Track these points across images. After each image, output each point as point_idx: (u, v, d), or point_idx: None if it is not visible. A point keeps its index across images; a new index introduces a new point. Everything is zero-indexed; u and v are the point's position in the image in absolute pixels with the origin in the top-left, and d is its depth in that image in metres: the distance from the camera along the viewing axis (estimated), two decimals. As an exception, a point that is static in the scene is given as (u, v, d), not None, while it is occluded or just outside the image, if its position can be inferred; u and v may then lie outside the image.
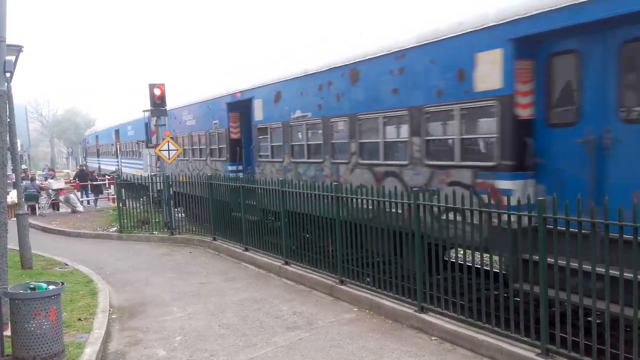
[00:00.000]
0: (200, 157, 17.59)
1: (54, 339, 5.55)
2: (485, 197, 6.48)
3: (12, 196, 17.86)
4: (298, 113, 11.72)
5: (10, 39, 8.07)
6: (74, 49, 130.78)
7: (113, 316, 8.48)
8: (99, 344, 6.78)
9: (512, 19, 6.84)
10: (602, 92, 6.22)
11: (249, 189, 11.90)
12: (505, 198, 6.36)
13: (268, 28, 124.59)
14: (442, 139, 8.19)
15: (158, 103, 16.05)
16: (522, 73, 6.91)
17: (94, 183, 27.84)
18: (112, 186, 26.66)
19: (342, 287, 8.88)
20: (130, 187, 18.13)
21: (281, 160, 12.55)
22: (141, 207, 18.01)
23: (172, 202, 15.81)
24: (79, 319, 7.82)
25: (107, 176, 30.17)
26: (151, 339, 7.40)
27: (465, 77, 7.56)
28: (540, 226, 5.61)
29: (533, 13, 6.56)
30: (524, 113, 6.95)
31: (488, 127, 7.37)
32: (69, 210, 23.85)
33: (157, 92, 15.98)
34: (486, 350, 6.19)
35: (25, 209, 12.69)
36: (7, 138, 7.48)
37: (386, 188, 8.10)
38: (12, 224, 10.19)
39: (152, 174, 19.50)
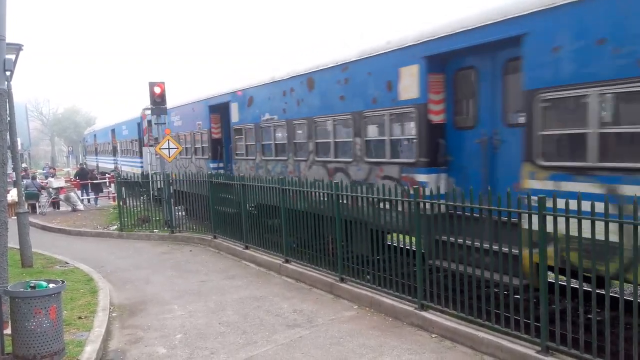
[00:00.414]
0: (186, 156, 18.80)
1: (54, 338, 5.55)
2: (408, 188, 7.86)
3: (13, 195, 17.89)
4: (267, 116, 13.09)
5: (10, 39, 8.08)
6: (74, 50, 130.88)
7: (113, 314, 8.49)
8: (100, 342, 6.79)
9: (425, 40, 8.20)
10: (492, 101, 7.66)
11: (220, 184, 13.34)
12: (421, 189, 7.48)
13: (270, 30, 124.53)
14: (377, 139, 9.53)
15: (158, 101, 16.05)
16: (434, 85, 8.28)
17: (95, 181, 27.85)
18: (112, 184, 26.69)
19: (343, 284, 8.88)
20: (130, 185, 18.26)
21: (254, 158, 13.95)
22: (141, 205, 18.02)
23: (172, 200, 15.83)
24: (80, 317, 7.83)
25: (107, 175, 30.25)
26: (152, 337, 7.41)
27: (392, 88, 8.93)
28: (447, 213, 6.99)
29: (441, 35, 7.89)
30: (437, 118, 8.34)
31: (409, 130, 8.78)
32: (70, 208, 23.87)
33: (157, 90, 15.98)
34: (486, 348, 6.19)
35: (26, 207, 12.70)
36: (8, 137, 7.49)
37: (336, 182, 9.27)
38: (12, 223, 10.19)
39: (152, 172, 19.55)
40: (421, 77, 8.31)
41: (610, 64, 5.81)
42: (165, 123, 16.95)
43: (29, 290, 5.52)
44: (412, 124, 8.60)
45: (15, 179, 12.85)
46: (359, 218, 8.57)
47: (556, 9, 6.33)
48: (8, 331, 5.85)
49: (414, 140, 8.56)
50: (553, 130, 6.55)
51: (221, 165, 16.51)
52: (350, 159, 10.08)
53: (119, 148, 31.43)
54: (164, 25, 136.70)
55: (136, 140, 25.83)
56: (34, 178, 25.41)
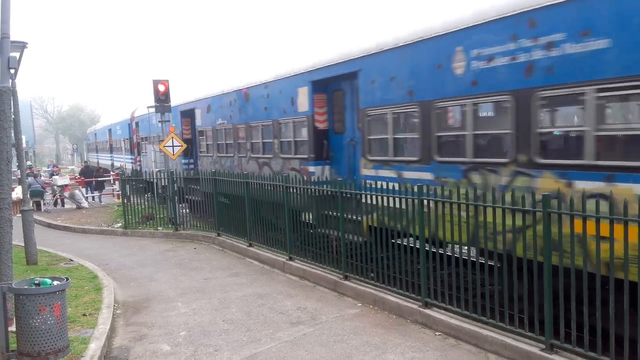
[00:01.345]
0: (160, 152, 21.77)
1: (59, 335, 5.55)
2: (304, 177, 11.13)
3: (18, 192, 17.94)
4: (220, 121, 16.42)
5: (15, 36, 8.08)
6: (79, 48, 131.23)
7: (118, 312, 8.51)
8: (104, 339, 6.81)
9: (312, 69, 11.46)
10: (352, 114, 10.86)
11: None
12: (312, 177, 10.99)
13: (270, 27, 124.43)
14: (287, 140, 12.62)
15: (162, 99, 16.07)
16: (319, 101, 11.51)
17: (99, 179, 27.91)
18: (116, 182, 26.76)
19: (346, 282, 8.88)
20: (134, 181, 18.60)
21: (212, 155, 17.14)
22: (146, 203, 18.05)
23: (176, 197, 15.86)
24: (84, 315, 7.84)
25: (111, 172, 30.57)
26: (156, 334, 7.43)
27: (294, 103, 12.10)
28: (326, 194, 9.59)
29: (321, 66, 11.15)
30: (321, 126, 11.55)
31: (304, 134, 11.76)
32: (74, 206, 23.93)
33: (161, 88, 16.00)
34: (490, 346, 6.18)
35: (31, 205, 12.73)
36: (12, 134, 7.51)
37: (264, 173, 12.72)
38: (17, 220, 10.23)
39: (157, 170, 19.62)
40: (310, 95, 11.49)
41: (396, 93, 9.04)
42: (169, 120, 16.98)
43: (34, 287, 5.52)
44: (306, 130, 11.69)
45: (20, 176, 12.88)
46: (276, 200, 10.97)
47: (372, 55, 9.56)
48: (12, 328, 5.86)
49: (306, 141, 11.68)
50: (373, 136, 9.76)
51: (191, 161, 19.46)
52: (271, 156, 13.35)
53: (114, 146, 35.42)
54: (169, 23, 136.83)
55: (127, 139, 29.82)
56: (36, 176, 25.46)
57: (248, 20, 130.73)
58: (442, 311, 7.09)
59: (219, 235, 13.93)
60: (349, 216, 9.13)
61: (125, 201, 17.19)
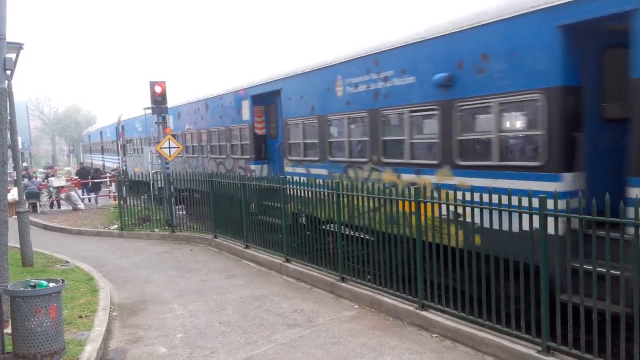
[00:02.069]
0: (141, 154, 25.02)
1: (55, 337, 5.54)
2: (248, 174, 14.01)
3: (13, 194, 17.88)
4: (187, 126, 19.51)
5: (11, 37, 8.07)
6: (75, 49, 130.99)
7: (114, 314, 8.48)
8: (100, 341, 6.79)
9: (251, 85, 14.22)
10: (280, 123, 13.21)
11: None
12: (253, 174, 13.84)
13: (271, 25, 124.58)
14: (235, 144, 15.42)
15: (159, 100, 16.04)
16: (257, 112, 14.29)
17: (95, 180, 27.84)
18: (112, 184, 26.72)
19: (343, 284, 8.87)
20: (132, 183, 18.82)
21: (182, 156, 19.43)
22: (142, 204, 18.01)
23: (172, 199, 15.84)
24: (80, 317, 7.82)
25: (108, 173, 30.58)
26: (152, 336, 7.41)
27: (240, 113, 14.89)
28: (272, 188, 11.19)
29: (258, 84, 13.91)
30: (260, 132, 14.33)
31: (247, 139, 14.68)
32: (70, 208, 23.86)
33: (158, 89, 15.98)
34: (487, 348, 6.18)
35: (26, 206, 12.69)
36: (8, 136, 7.49)
37: (220, 171, 15.65)
38: (13, 222, 10.19)
39: (154, 171, 19.61)
40: (250, 107, 14.35)
41: (304, 108, 11.67)
42: (166, 122, 16.95)
43: (30, 289, 5.51)
44: (247, 135, 14.56)
45: (16, 178, 12.84)
46: (234, 195, 12.69)
47: (289, 78, 12.23)
48: (8, 330, 5.84)
49: (248, 144, 14.57)
50: (292, 141, 12.38)
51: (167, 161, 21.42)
52: (225, 156, 16.20)
53: (105, 147, 38.72)
54: (165, 24, 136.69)
55: (115, 141, 33.30)
56: (30, 177, 25.38)
57: (245, 23, 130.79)
58: (439, 313, 7.09)
59: (215, 237, 13.91)
60: (276, 204, 10.94)
61: (122, 203, 17.15)
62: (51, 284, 5.64)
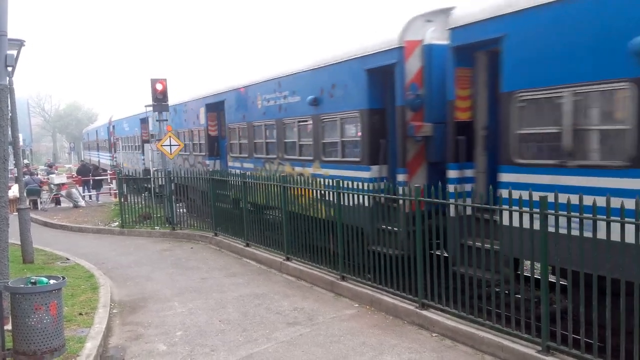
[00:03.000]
0: (128, 151, 29.28)
1: (55, 334, 5.53)
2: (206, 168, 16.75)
3: (14, 191, 17.86)
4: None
5: (12, 34, 8.06)
6: (76, 46, 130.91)
7: (114, 311, 8.49)
8: (100, 338, 6.79)
9: (206, 96, 17.05)
10: (226, 127, 15.85)
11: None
12: (208, 168, 16.46)
13: (272, 22, 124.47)
14: (197, 143, 18.41)
15: (160, 98, 16.01)
16: (211, 117, 17.02)
17: (96, 178, 27.83)
18: (113, 181, 26.73)
19: (343, 283, 8.88)
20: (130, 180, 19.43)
21: (158, 152, 22.28)
22: (143, 202, 18.02)
23: (173, 197, 15.85)
24: (80, 314, 7.83)
25: (108, 171, 30.74)
26: (152, 333, 7.41)
27: (198, 117, 17.90)
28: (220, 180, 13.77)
29: (210, 94, 16.69)
30: (213, 133, 17.15)
31: (202, 138, 17.64)
32: (71, 205, 23.87)
33: (159, 87, 15.93)
34: (487, 347, 6.18)
35: (27, 203, 12.69)
36: (9, 132, 7.48)
37: (185, 166, 19.21)
38: (13, 219, 10.18)
39: (154, 169, 19.64)
40: (205, 113, 17.15)
41: (238, 116, 14.76)
42: (167, 120, 16.95)
43: (30, 286, 5.50)
44: (203, 135, 17.48)
45: (17, 174, 12.84)
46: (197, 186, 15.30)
47: (229, 92, 15.27)
48: (9, 327, 5.84)
49: (204, 143, 17.46)
50: (232, 141, 15.36)
51: (143, 157, 25.56)
52: (189, 153, 19.14)
53: (100, 145, 42.16)
54: (167, 21, 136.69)
55: (106, 140, 37.09)
56: (32, 174, 25.36)
57: (245, 21, 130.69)
58: (439, 312, 7.09)
59: (216, 235, 13.92)
60: (223, 192, 13.54)
61: (123, 200, 17.14)
62: (51, 281, 5.63)
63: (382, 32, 9.53)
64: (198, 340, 7.06)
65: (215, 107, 16.67)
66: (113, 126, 33.88)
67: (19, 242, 11.75)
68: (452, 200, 6.90)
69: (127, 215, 16.80)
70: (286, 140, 12.31)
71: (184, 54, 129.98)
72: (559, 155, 6.27)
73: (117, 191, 20.56)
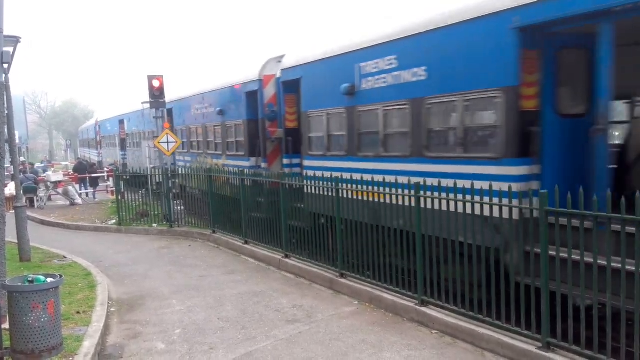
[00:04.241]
0: (110, 147, 35.05)
1: (53, 332, 5.50)
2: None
3: (11, 188, 17.79)
4: (134, 129, 27.09)
5: (8, 31, 7.99)
6: (73, 43, 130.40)
7: (112, 309, 8.45)
8: (98, 337, 6.76)
9: (171, 100, 18.45)
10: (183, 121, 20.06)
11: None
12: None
13: (270, 19, 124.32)
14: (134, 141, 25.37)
15: (157, 95, 15.94)
16: (167, 120, 18.01)
17: (93, 175, 27.75)
18: (110, 179, 26.66)
19: (342, 280, 8.85)
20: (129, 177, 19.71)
21: (132, 149, 27.84)
22: (140, 199, 17.96)
23: (171, 194, 15.81)
24: (78, 312, 7.78)
25: (106, 169, 30.77)
26: (150, 332, 7.38)
27: (145, 123, 23.00)
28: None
29: (170, 101, 18.33)
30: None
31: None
32: (68, 202, 23.79)
33: (156, 84, 15.87)
34: (487, 344, 6.17)
35: (24, 201, 12.63)
36: (5, 130, 7.43)
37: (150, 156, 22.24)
38: (10, 217, 10.13)
39: (152, 166, 19.59)
40: (165, 117, 18.94)
41: (181, 120, 19.65)
42: (163, 117, 16.88)
43: (27, 284, 5.46)
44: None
45: (13, 172, 12.78)
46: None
47: (176, 101, 19.23)
48: (6, 326, 5.80)
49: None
50: (183, 139, 18.36)
51: (124, 153, 30.23)
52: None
53: (90, 143, 47.49)
54: (163, 18, 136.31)
55: (94, 138, 42.93)
56: (25, 172, 25.26)
57: (243, 19, 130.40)
58: (439, 309, 7.08)
59: (214, 232, 13.88)
60: (176, 182, 16.43)
61: (120, 198, 17.09)
62: (49, 280, 5.59)
63: (252, 67, 13.72)
64: (197, 339, 7.02)
65: (170, 112, 20.13)
66: (99, 126, 39.53)
67: (16, 241, 11.68)
68: (286, 180, 10.38)
69: (124, 213, 16.74)
70: (208, 140, 16.75)
71: (181, 51, 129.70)
72: (325, 149, 10.61)
73: (114, 189, 20.51)
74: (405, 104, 8.35)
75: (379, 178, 8.16)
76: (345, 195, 8.79)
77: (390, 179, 7.96)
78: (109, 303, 8.53)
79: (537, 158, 6.76)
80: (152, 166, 18.39)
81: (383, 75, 8.84)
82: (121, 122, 29.88)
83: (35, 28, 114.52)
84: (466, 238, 6.61)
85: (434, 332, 6.84)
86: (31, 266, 10.84)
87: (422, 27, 8.08)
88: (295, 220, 10.40)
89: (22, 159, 34.43)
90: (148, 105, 18.46)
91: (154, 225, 16.17)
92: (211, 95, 16.14)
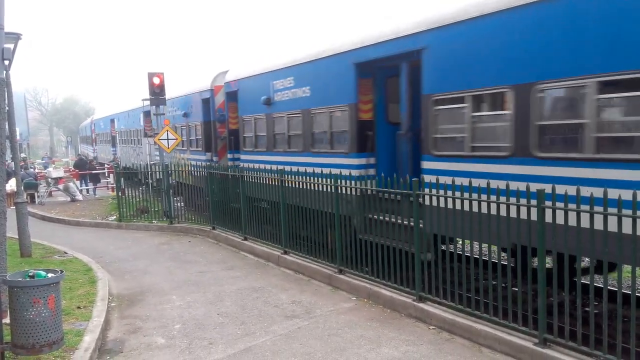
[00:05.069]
0: (103, 144, 38.71)
1: (53, 327, 5.53)
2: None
3: (12, 184, 17.83)
4: (122, 127, 30.09)
5: (9, 28, 8.01)
6: (73, 39, 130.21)
7: (112, 304, 8.50)
8: (98, 332, 6.81)
9: (143, 106, 21.23)
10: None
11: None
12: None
13: (270, 16, 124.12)
14: (132, 138, 27.35)
15: (157, 92, 15.97)
16: (147, 122, 21.74)
17: (93, 172, 27.78)
18: (111, 175, 26.72)
19: (341, 276, 8.90)
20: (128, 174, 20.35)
21: (121, 145, 30.97)
22: (140, 196, 18.00)
23: (171, 191, 15.85)
24: (78, 307, 7.84)
25: (105, 165, 30.91)
26: (150, 327, 7.43)
27: (141, 120, 24.38)
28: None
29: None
30: (150, 133, 20.54)
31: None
32: (68, 199, 23.84)
33: (156, 81, 15.89)
34: (484, 340, 6.21)
35: (25, 197, 12.66)
36: (6, 126, 7.46)
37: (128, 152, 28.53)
38: (11, 212, 10.18)
39: (152, 162, 19.62)
40: (143, 117, 23.22)
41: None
42: (164, 114, 16.91)
43: (28, 279, 5.50)
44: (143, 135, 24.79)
45: (14, 168, 12.80)
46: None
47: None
48: (7, 320, 5.84)
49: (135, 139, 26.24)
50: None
51: (113, 149, 34.15)
52: (134, 145, 26.72)
53: (87, 140, 51.71)
54: (164, 15, 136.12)
55: (89, 136, 48.07)
56: (26, 168, 25.29)
57: (244, 16, 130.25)
58: (436, 305, 7.12)
59: (213, 228, 13.92)
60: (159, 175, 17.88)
61: (120, 194, 17.13)
62: (50, 275, 5.62)
63: (206, 79, 16.49)
64: (196, 334, 7.07)
65: (148, 115, 22.66)
66: (94, 124, 43.90)
67: (17, 236, 11.73)
68: (230, 172, 12.79)
69: (124, 209, 16.78)
70: (183, 138, 18.49)
71: (182, 47, 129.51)
72: (253, 146, 13.53)
73: (114, 185, 20.57)
74: (299, 113, 11.27)
75: (287, 167, 10.76)
76: (264, 182, 11.29)
77: (292, 168, 10.68)
78: (109, 298, 8.58)
79: (373, 152, 9.75)
80: (152, 162, 18.73)
81: (286, 91, 11.82)
82: (112, 121, 33.61)
83: (36, 25, 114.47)
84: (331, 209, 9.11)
85: (431, 327, 6.88)
86: (32, 261, 10.89)
87: (306, 58, 11.15)
88: (235, 203, 12.80)
89: (22, 155, 34.50)
90: (135, 106, 22.06)
91: (154, 221, 16.22)
92: (179, 100, 19.08)
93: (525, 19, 6.49)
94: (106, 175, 28.82)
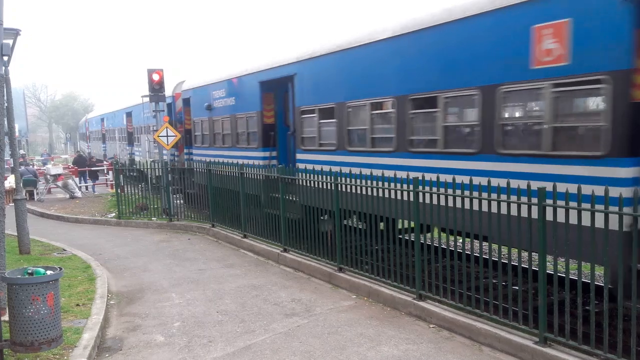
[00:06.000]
0: (95, 142, 42.22)
1: (52, 325, 5.52)
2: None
3: (10, 181, 17.80)
4: (110, 126, 34.47)
5: (8, 23, 7.98)
6: (73, 36, 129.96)
7: (111, 302, 8.48)
8: (97, 329, 6.79)
9: (127, 106, 27.95)
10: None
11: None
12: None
13: (269, 15, 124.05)
14: (120, 135, 31.59)
15: (157, 88, 15.94)
16: (128, 121, 28.45)
17: (92, 169, 27.75)
18: (110, 172, 26.68)
19: (341, 274, 8.88)
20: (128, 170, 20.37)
21: (112, 142, 34.16)
22: (140, 193, 17.98)
23: (170, 188, 15.83)
24: (77, 305, 7.82)
25: (104, 162, 30.94)
26: (149, 324, 7.41)
27: (123, 120, 29.21)
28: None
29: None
30: (130, 130, 28.85)
31: (125, 134, 30.12)
32: (67, 196, 23.81)
33: (155, 77, 15.87)
34: (484, 338, 6.20)
35: (24, 194, 12.63)
36: (5, 122, 7.43)
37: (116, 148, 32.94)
38: (10, 209, 10.16)
39: (151, 159, 19.61)
40: (125, 118, 28.49)
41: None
42: (164, 110, 16.88)
43: (27, 277, 5.48)
44: (125, 132, 29.73)
45: (13, 165, 12.77)
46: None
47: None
48: (6, 318, 5.82)
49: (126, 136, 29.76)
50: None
51: (105, 145, 37.67)
52: (120, 142, 30.88)
53: (81, 137, 56.31)
54: (163, 12, 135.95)
55: (84, 133, 51.54)
56: (26, 165, 25.25)
57: (244, 14, 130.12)
58: (437, 304, 7.11)
59: (213, 226, 13.90)
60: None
61: (119, 191, 17.11)
62: (48, 272, 5.60)
63: (170, 86, 18.43)
64: (196, 331, 7.06)
65: (130, 114, 26.71)
66: (87, 123, 47.66)
67: (16, 233, 11.70)
68: (186, 164, 15.69)
69: (123, 206, 16.76)
70: (149, 135, 21.15)
71: (182, 45, 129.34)
72: (201, 142, 17.13)
73: (113, 182, 20.55)
74: (229, 117, 15.08)
75: (222, 160, 13.58)
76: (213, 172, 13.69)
77: (226, 160, 13.53)
78: (108, 296, 8.56)
79: (275, 147, 13.51)
80: (151, 160, 19.20)
81: (221, 100, 15.56)
82: (102, 120, 37.78)
83: (35, 21, 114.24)
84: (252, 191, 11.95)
85: (431, 326, 6.87)
86: (31, 259, 10.87)
87: (232, 75, 14.93)
88: (190, 188, 15.70)
89: (21, 152, 34.47)
90: (132, 104, 23.15)
91: (154, 218, 16.19)
92: (138, 107, 22.84)
93: (339, 62, 10.41)
94: (105, 172, 28.78)
